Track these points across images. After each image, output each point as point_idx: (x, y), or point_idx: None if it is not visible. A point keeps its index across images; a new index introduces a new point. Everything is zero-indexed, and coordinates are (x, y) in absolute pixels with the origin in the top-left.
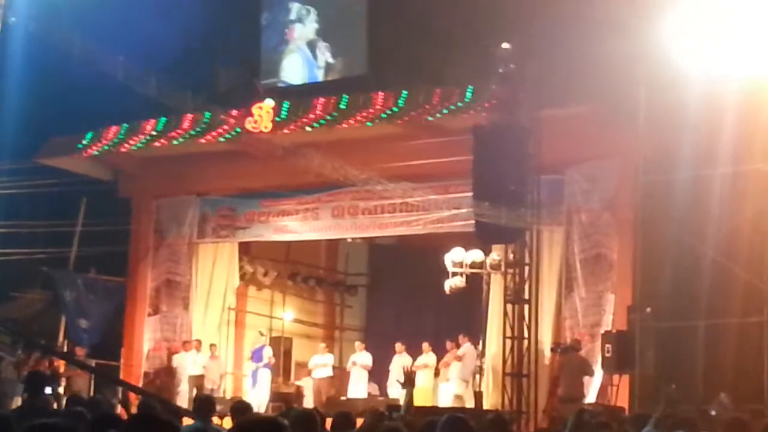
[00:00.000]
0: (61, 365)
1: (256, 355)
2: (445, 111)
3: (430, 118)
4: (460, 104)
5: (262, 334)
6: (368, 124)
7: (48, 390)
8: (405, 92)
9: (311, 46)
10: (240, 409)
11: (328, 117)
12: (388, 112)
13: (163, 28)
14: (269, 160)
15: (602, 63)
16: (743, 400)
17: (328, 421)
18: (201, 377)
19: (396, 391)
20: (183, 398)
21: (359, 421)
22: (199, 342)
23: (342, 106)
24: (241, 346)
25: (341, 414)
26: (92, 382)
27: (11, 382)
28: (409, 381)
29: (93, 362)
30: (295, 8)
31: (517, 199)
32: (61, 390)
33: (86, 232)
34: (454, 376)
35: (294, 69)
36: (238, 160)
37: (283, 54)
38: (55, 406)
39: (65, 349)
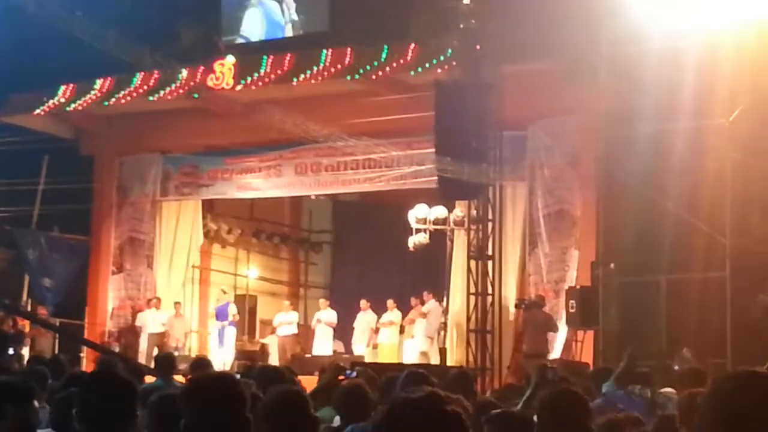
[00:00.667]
0: (25, 325)
1: (221, 314)
2: (406, 67)
3: (391, 75)
4: (421, 60)
5: (224, 292)
6: (330, 80)
7: (10, 351)
8: (366, 48)
9: (279, 0)
10: (199, 365)
11: (290, 73)
12: (350, 68)
13: None
14: (231, 117)
15: (563, 18)
16: (705, 354)
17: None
18: (161, 335)
19: (361, 349)
20: (148, 357)
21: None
22: (159, 299)
23: (303, 62)
24: (205, 304)
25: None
26: (56, 341)
27: None
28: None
29: (57, 321)
30: None
31: (479, 155)
32: (26, 351)
33: (49, 190)
34: (419, 332)
35: (254, 25)
36: (201, 118)
37: (244, 9)
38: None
39: (29, 309)
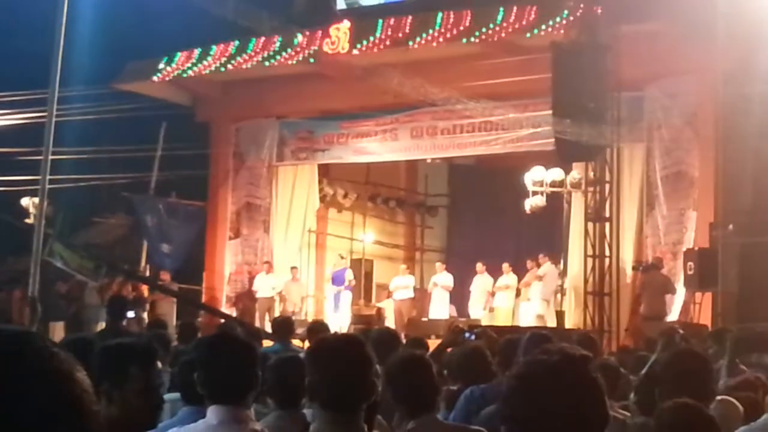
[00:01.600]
0: (144, 290)
1: (337, 278)
2: (523, 29)
3: (507, 37)
4: (537, 21)
5: (342, 257)
6: (446, 43)
7: (130, 314)
8: (482, 10)
9: None
10: (317, 329)
11: (405, 37)
12: (466, 31)
13: None
14: (346, 81)
15: None
16: None
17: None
18: (271, 299)
19: (477, 312)
20: (259, 320)
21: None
22: (270, 264)
23: (419, 26)
24: (322, 268)
25: (413, 339)
26: (176, 306)
27: (95, 308)
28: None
29: (176, 286)
30: None
31: (597, 117)
32: (145, 315)
33: (166, 156)
34: (535, 295)
35: None
36: (316, 82)
37: None
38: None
39: (147, 274)
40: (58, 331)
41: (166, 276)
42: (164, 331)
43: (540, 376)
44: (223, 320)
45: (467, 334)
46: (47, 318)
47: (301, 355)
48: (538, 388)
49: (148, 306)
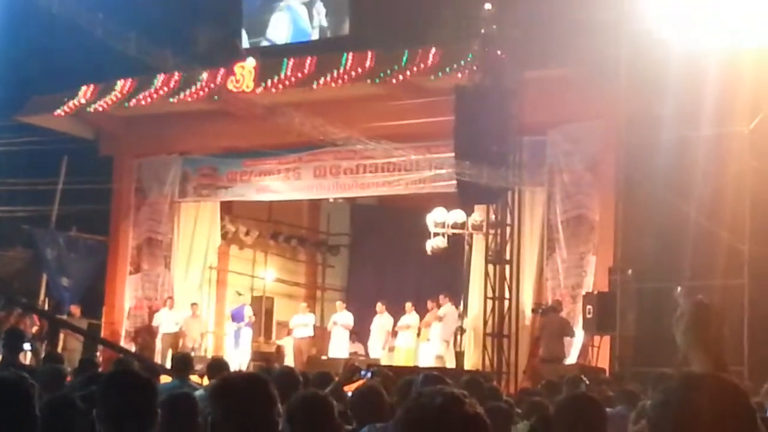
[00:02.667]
0: (43, 324)
1: (237, 315)
2: (427, 72)
3: (411, 79)
4: (441, 65)
5: (239, 294)
6: (350, 84)
7: (27, 346)
8: (387, 52)
9: (309, 6)
10: (217, 366)
11: (310, 77)
12: (370, 72)
13: None
14: (251, 119)
15: (584, 24)
16: None
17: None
18: (176, 335)
19: (377, 351)
20: (163, 357)
21: None
22: (172, 299)
23: (324, 66)
24: (222, 305)
25: (320, 374)
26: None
27: None
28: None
29: (85, 321)
30: None
31: (499, 160)
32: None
33: (67, 190)
34: (435, 336)
35: (281, 29)
36: (220, 120)
37: (271, 13)
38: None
39: (46, 308)
40: None
41: (76, 310)
42: (60, 365)
43: (423, 418)
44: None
45: (363, 372)
46: None
47: (199, 392)
48: (423, 430)
49: (46, 341)
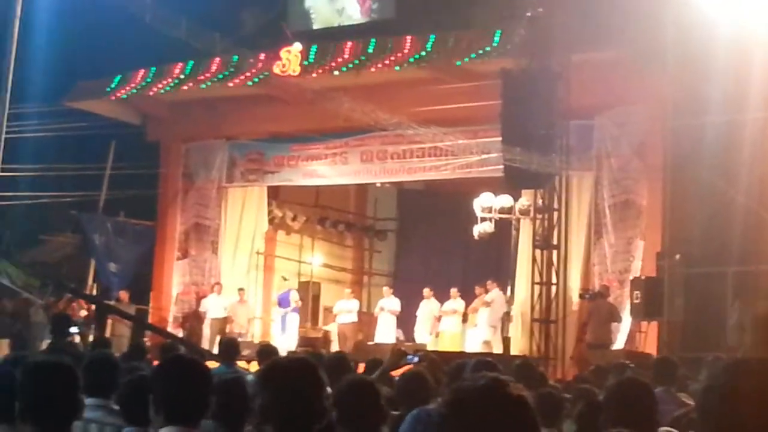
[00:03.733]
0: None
1: (283, 300)
2: (473, 55)
3: (458, 62)
4: (488, 48)
5: (285, 279)
6: (396, 68)
7: (74, 330)
8: (433, 36)
9: None
10: (266, 352)
11: (356, 61)
12: (417, 56)
13: None
14: (298, 104)
15: (630, 6)
16: None
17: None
18: (224, 320)
19: (423, 337)
20: (210, 342)
21: None
22: (220, 285)
23: (370, 50)
24: (269, 290)
25: (372, 360)
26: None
27: (40, 326)
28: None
29: (133, 307)
30: None
31: (546, 144)
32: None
33: (115, 175)
34: (482, 321)
35: (326, 11)
36: (267, 104)
37: None
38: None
39: (95, 293)
40: (3, 348)
41: (124, 296)
42: (107, 350)
43: (467, 400)
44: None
45: (410, 357)
46: None
47: (248, 377)
48: (467, 412)
49: (94, 325)
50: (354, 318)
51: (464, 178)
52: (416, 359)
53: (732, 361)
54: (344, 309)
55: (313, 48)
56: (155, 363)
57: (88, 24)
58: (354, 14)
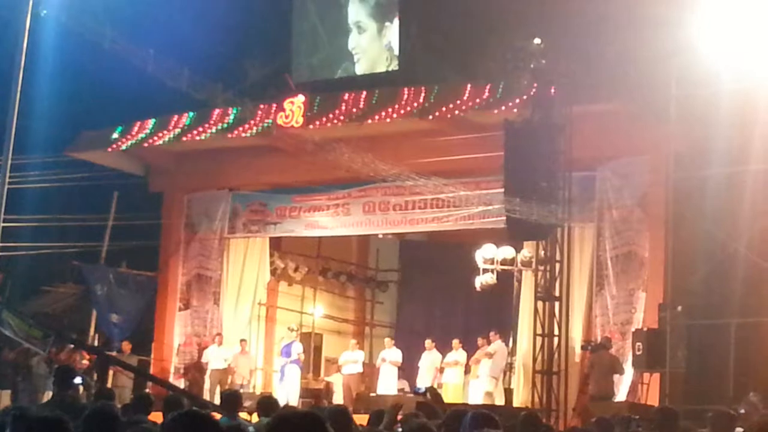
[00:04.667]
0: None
1: (285, 351)
2: (476, 107)
3: (461, 114)
4: (491, 100)
5: (291, 330)
6: (399, 119)
7: (78, 380)
8: (436, 87)
9: (357, 41)
10: (267, 404)
11: (359, 112)
12: (419, 107)
13: (194, 22)
14: (300, 155)
15: (633, 59)
16: None
17: (358, 418)
18: (224, 371)
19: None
20: (211, 393)
21: None
22: (221, 336)
23: (373, 101)
24: (271, 341)
25: (376, 412)
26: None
27: (42, 377)
28: (434, 396)
29: (135, 358)
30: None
31: (548, 196)
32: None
33: (117, 226)
34: (484, 373)
35: (329, 63)
36: (270, 155)
37: (321, 48)
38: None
39: (96, 343)
40: (4, 399)
41: (127, 347)
42: (110, 402)
43: None
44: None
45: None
46: None
47: (249, 428)
48: None
49: (96, 375)
50: (359, 369)
51: (466, 230)
52: (423, 389)
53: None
54: (349, 360)
55: (317, 99)
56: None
57: (91, 74)
58: (358, 66)
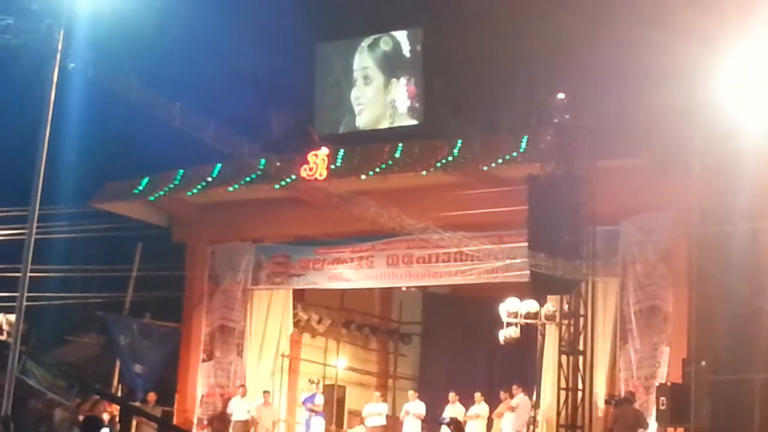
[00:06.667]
0: (114, 410)
1: (307, 403)
2: (500, 161)
3: (485, 168)
4: (515, 154)
5: (312, 382)
6: (423, 173)
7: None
8: (459, 141)
9: (382, 95)
10: None
11: (383, 165)
12: (443, 161)
13: (221, 74)
14: (324, 207)
15: (656, 113)
16: None
17: None
18: (246, 422)
19: None
20: None
21: None
22: (244, 387)
23: (397, 155)
24: (294, 393)
25: None
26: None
27: (66, 428)
28: (457, 428)
29: (159, 409)
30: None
31: (572, 250)
32: None
33: (141, 277)
34: (507, 426)
35: (353, 116)
36: (293, 208)
37: (345, 102)
38: None
39: (119, 394)
40: None
41: (152, 397)
42: None
43: None
44: None
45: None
46: None
47: None
48: None
49: (119, 425)
50: (383, 421)
51: (490, 283)
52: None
53: None
54: (374, 412)
55: (341, 152)
56: None
57: (117, 126)
58: (382, 119)
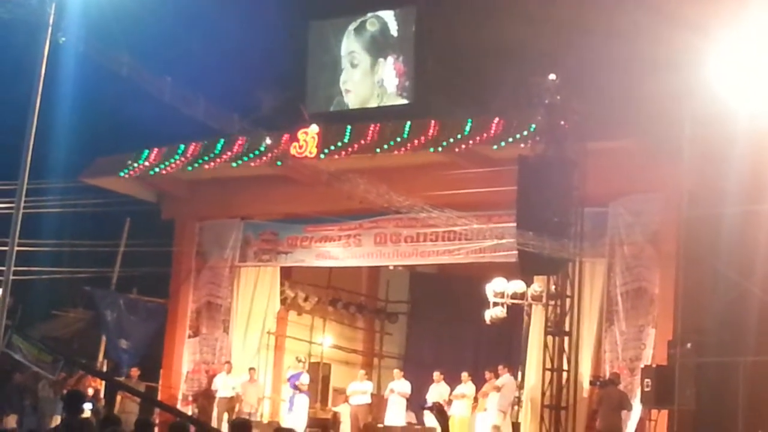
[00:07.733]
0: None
1: (292, 382)
2: (490, 141)
3: (474, 147)
4: (505, 134)
5: (299, 361)
6: (413, 152)
7: (88, 406)
8: (450, 121)
9: (372, 73)
10: None
11: (373, 144)
12: (433, 140)
13: (211, 50)
14: (313, 185)
15: (647, 97)
16: None
17: None
18: (231, 400)
19: (432, 420)
20: (217, 421)
21: None
22: (230, 364)
23: (386, 134)
24: (279, 370)
25: None
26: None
27: (50, 402)
28: (440, 413)
29: (143, 384)
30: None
31: (560, 231)
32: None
33: (129, 252)
34: (492, 406)
35: (344, 94)
36: (282, 185)
37: (336, 79)
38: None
39: (105, 369)
40: (10, 423)
41: (135, 372)
42: (117, 427)
43: None
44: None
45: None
46: (1, 409)
47: None
48: None
49: (102, 400)
50: (367, 399)
51: (477, 263)
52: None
53: None
54: (358, 390)
55: (330, 130)
56: None
57: (107, 101)
58: (372, 97)
